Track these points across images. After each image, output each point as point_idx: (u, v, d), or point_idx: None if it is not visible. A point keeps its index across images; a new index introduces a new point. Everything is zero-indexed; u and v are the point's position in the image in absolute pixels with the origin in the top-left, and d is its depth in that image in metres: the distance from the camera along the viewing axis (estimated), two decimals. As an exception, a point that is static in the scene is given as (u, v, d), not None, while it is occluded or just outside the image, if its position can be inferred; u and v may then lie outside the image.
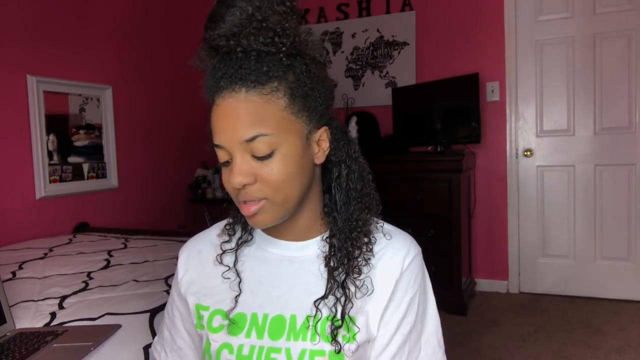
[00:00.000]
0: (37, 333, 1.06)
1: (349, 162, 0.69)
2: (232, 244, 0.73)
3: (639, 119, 2.74)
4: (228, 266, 0.71)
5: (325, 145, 0.66)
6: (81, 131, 2.70)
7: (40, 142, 2.42)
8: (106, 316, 1.19)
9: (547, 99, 2.95)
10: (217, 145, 0.62)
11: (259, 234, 0.73)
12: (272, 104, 0.58)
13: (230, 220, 0.75)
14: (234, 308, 0.68)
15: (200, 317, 0.71)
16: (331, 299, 0.64)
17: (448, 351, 0.73)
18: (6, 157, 2.30)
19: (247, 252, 0.72)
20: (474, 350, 2.24)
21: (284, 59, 0.59)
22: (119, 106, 2.93)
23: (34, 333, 1.06)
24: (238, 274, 0.70)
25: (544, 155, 2.98)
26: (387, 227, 0.72)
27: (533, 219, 3.02)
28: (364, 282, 0.66)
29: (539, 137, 2.99)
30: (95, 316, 1.19)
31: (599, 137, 2.84)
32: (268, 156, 0.59)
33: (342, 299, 0.64)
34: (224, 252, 0.72)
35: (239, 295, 0.68)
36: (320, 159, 0.66)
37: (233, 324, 0.67)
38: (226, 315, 0.68)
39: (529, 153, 3.00)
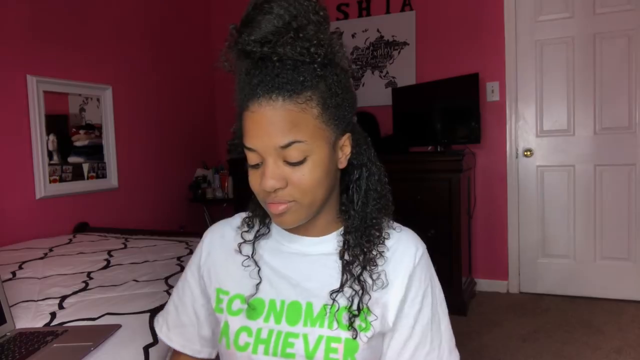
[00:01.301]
0: (37, 333, 1.06)
1: (369, 165, 0.73)
2: (251, 236, 0.76)
3: (639, 119, 2.74)
4: (247, 255, 0.74)
5: (348, 150, 0.69)
6: (81, 131, 2.69)
7: (40, 142, 2.42)
8: (106, 316, 1.19)
9: (547, 99, 2.95)
10: (249, 149, 0.63)
11: (276, 228, 0.76)
12: (307, 112, 0.61)
13: (250, 214, 0.78)
14: (254, 295, 0.71)
15: (219, 301, 0.74)
16: (348, 291, 0.67)
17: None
18: (6, 157, 2.30)
19: (264, 244, 0.76)
20: (474, 351, 2.24)
21: (318, 69, 0.61)
22: (119, 106, 2.92)
23: (34, 333, 1.06)
24: (256, 263, 0.73)
25: (544, 155, 2.98)
26: (395, 223, 0.77)
27: (533, 219, 3.02)
28: (379, 275, 0.69)
29: (539, 137, 2.99)
30: (95, 316, 1.19)
31: (599, 137, 2.84)
32: (300, 162, 0.62)
33: (360, 292, 0.67)
34: (243, 241, 0.76)
35: (259, 283, 0.71)
36: (343, 163, 0.69)
37: (252, 309, 0.70)
38: (245, 299, 0.71)
39: (529, 153, 3.00)
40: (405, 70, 3.25)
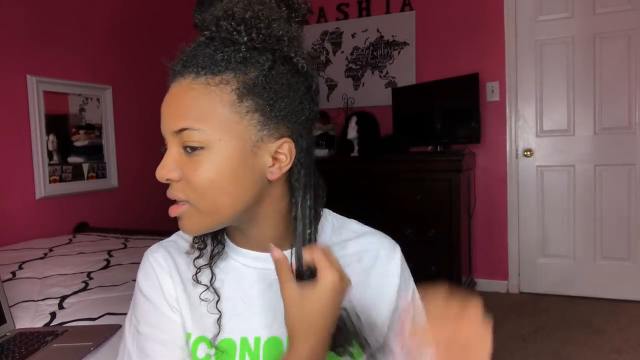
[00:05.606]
0: (37, 333, 1.06)
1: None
2: (206, 259, 0.62)
3: (639, 119, 2.74)
4: (206, 285, 0.60)
5: (286, 160, 0.55)
6: (81, 131, 2.69)
7: (40, 142, 2.42)
8: (106, 316, 1.19)
9: (547, 99, 2.95)
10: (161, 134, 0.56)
11: (229, 246, 0.63)
12: (214, 96, 0.51)
13: None
14: (218, 334, 0.58)
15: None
16: None
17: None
18: (6, 157, 2.30)
19: (222, 266, 0.62)
20: (474, 350, 2.24)
21: (244, 50, 0.52)
22: (119, 106, 2.92)
23: (34, 333, 1.07)
24: (217, 293, 0.60)
25: (544, 155, 2.98)
26: (359, 227, 0.67)
27: (533, 219, 3.02)
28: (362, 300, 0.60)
29: (539, 137, 2.99)
30: (95, 316, 1.19)
31: (599, 137, 2.84)
32: (197, 150, 0.52)
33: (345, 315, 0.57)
34: (199, 269, 0.61)
35: (220, 318, 0.59)
36: (274, 174, 0.55)
37: (222, 353, 0.58)
38: (211, 343, 0.58)
39: (529, 153, 3.00)
40: (405, 70, 3.25)
